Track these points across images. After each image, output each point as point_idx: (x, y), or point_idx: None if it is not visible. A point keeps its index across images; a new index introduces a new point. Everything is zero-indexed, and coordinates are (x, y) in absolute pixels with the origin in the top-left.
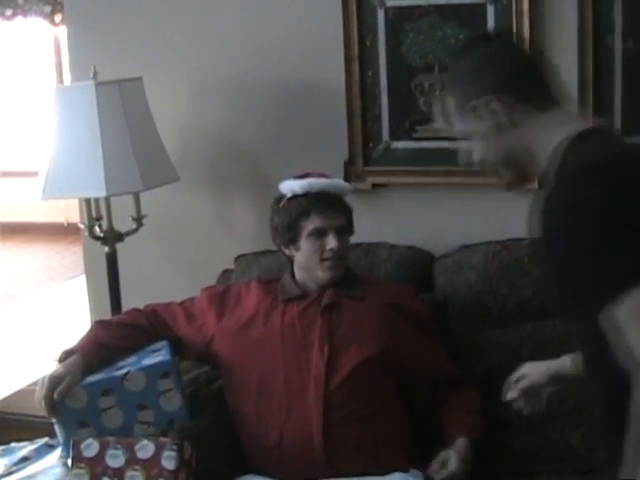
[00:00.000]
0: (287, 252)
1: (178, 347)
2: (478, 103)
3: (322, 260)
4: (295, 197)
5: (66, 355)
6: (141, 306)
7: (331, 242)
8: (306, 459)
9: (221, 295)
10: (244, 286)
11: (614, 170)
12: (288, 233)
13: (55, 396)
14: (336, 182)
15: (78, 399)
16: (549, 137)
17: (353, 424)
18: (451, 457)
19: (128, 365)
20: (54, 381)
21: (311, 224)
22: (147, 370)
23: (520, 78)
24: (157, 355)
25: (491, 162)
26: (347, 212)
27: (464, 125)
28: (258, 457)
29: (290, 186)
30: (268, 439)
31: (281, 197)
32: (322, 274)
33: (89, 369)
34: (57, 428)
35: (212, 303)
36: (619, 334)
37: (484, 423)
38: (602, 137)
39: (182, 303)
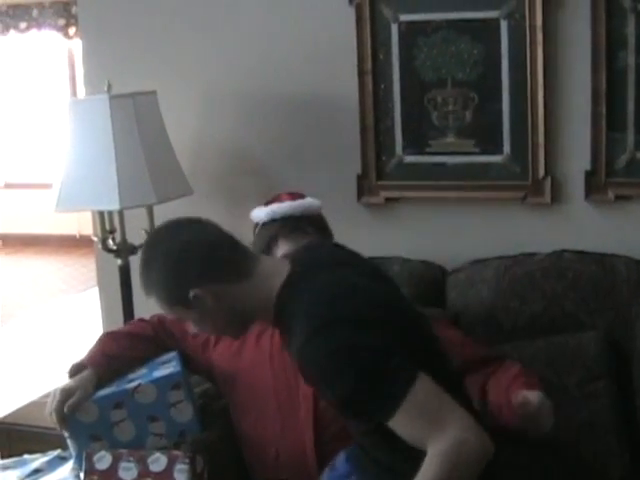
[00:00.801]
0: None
1: (184, 359)
2: (185, 297)
3: None
4: (265, 224)
5: (76, 368)
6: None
7: None
8: (302, 475)
9: None
10: None
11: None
12: None
13: (65, 410)
14: (300, 203)
15: (89, 413)
16: (261, 299)
17: (345, 440)
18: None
19: (138, 377)
20: (65, 394)
21: (280, 250)
22: (158, 382)
23: (213, 264)
24: (167, 367)
25: (215, 330)
26: (319, 231)
27: (178, 315)
28: (260, 472)
29: (257, 214)
30: (266, 455)
31: (256, 224)
32: None
33: (100, 382)
34: (69, 442)
35: None
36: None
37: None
38: (301, 278)
39: None
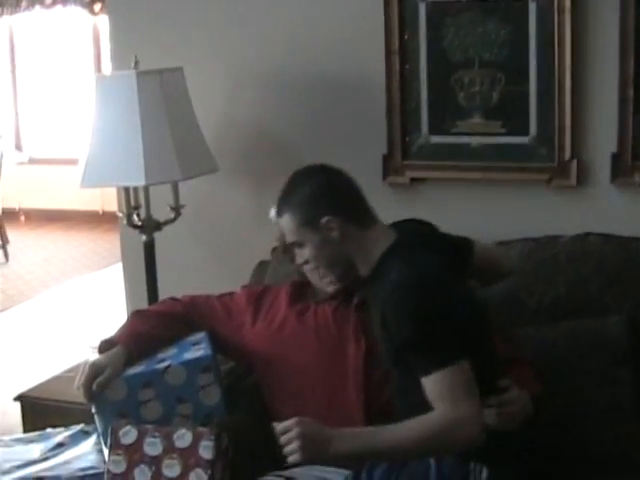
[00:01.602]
0: None
1: (214, 338)
2: (317, 220)
3: (321, 278)
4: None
5: (106, 345)
6: (178, 295)
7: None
8: None
9: (258, 297)
10: (278, 289)
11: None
12: (289, 256)
13: (94, 387)
14: None
15: (118, 391)
16: (368, 251)
17: (391, 404)
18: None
19: (169, 358)
20: (95, 370)
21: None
22: (188, 364)
23: (350, 206)
24: (198, 349)
25: (319, 265)
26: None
27: (301, 237)
28: None
29: (273, 213)
30: None
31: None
32: (326, 290)
33: (130, 360)
34: (96, 418)
35: (250, 304)
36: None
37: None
38: (405, 247)
39: (221, 297)
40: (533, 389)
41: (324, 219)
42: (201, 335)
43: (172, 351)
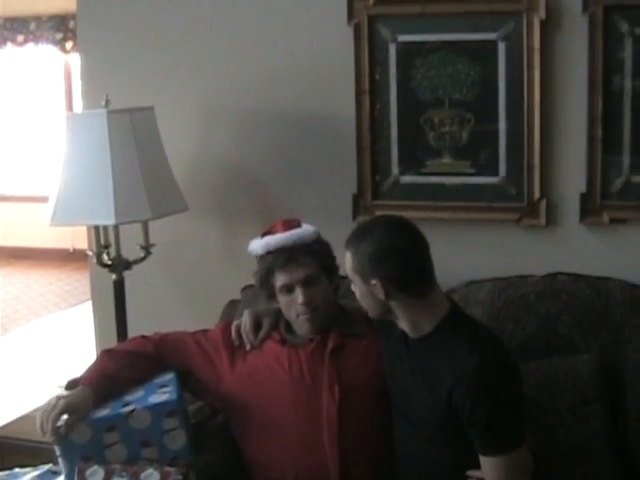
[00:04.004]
0: (275, 305)
1: (184, 377)
2: (368, 278)
3: (297, 315)
4: (261, 256)
5: (73, 385)
6: (148, 333)
7: (299, 297)
8: None
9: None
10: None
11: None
12: (265, 290)
13: (62, 430)
14: (295, 233)
15: (82, 434)
16: (418, 316)
17: (371, 464)
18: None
19: (134, 401)
20: (66, 408)
21: (278, 281)
22: (153, 409)
23: (405, 276)
24: (164, 392)
25: (366, 307)
26: (316, 259)
27: (351, 277)
28: None
29: (253, 246)
30: None
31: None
32: (300, 329)
33: (98, 402)
34: (61, 461)
35: (225, 345)
36: None
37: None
38: (462, 317)
39: (194, 334)
40: (530, 443)
41: (373, 281)
42: (169, 377)
43: (139, 393)
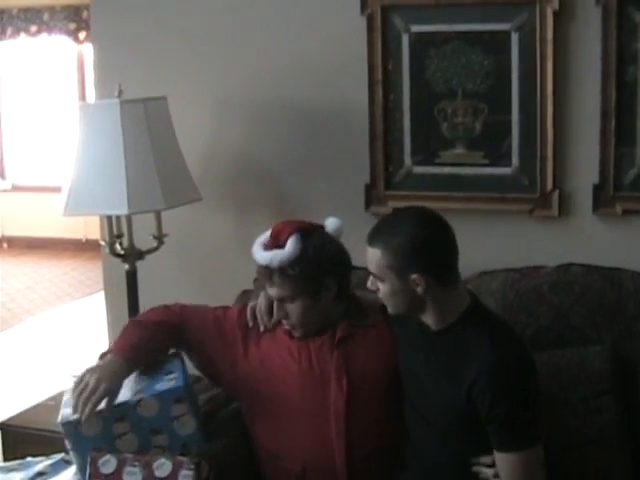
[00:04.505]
0: None
1: (197, 351)
2: (406, 273)
3: None
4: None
5: (104, 355)
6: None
7: (276, 311)
8: None
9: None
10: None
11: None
12: None
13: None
14: (272, 255)
15: (92, 426)
16: (445, 307)
17: (378, 457)
18: None
19: (141, 390)
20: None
21: (269, 291)
22: (160, 396)
23: (443, 266)
24: (170, 379)
25: (395, 306)
26: (291, 281)
27: (383, 275)
28: None
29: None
30: (291, 470)
31: None
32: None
33: (129, 372)
34: (72, 455)
35: (241, 327)
36: None
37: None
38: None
39: (215, 310)
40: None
41: (413, 276)
42: (175, 363)
43: (145, 382)
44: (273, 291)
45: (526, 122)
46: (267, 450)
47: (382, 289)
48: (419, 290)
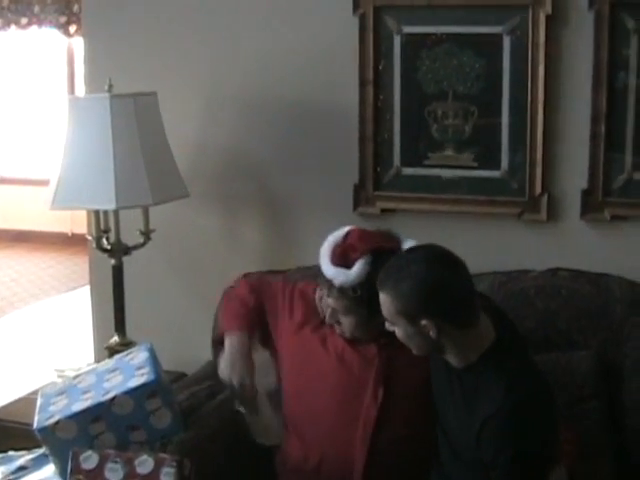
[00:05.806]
0: None
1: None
2: (416, 319)
3: None
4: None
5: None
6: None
7: (329, 316)
8: None
9: (291, 291)
10: (307, 293)
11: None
12: None
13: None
14: (336, 272)
15: (68, 430)
16: (465, 348)
17: (397, 470)
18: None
19: (113, 387)
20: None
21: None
22: (133, 393)
23: (455, 309)
24: (142, 374)
25: (413, 348)
26: (347, 300)
27: (395, 321)
28: (293, 477)
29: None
30: (308, 460)
31: None
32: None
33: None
34: (52, 459)
35: (305, 307)
36: None
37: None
38: (505, 350)
39: (284, 285)
40: (568, 459)
41: (424, 322)
42: (144, 356)
43: (117, 379)
44: (329, 300)
45: (516, 125)
46: (289, 432)
47: (397, 333)
48: (432, 334)
